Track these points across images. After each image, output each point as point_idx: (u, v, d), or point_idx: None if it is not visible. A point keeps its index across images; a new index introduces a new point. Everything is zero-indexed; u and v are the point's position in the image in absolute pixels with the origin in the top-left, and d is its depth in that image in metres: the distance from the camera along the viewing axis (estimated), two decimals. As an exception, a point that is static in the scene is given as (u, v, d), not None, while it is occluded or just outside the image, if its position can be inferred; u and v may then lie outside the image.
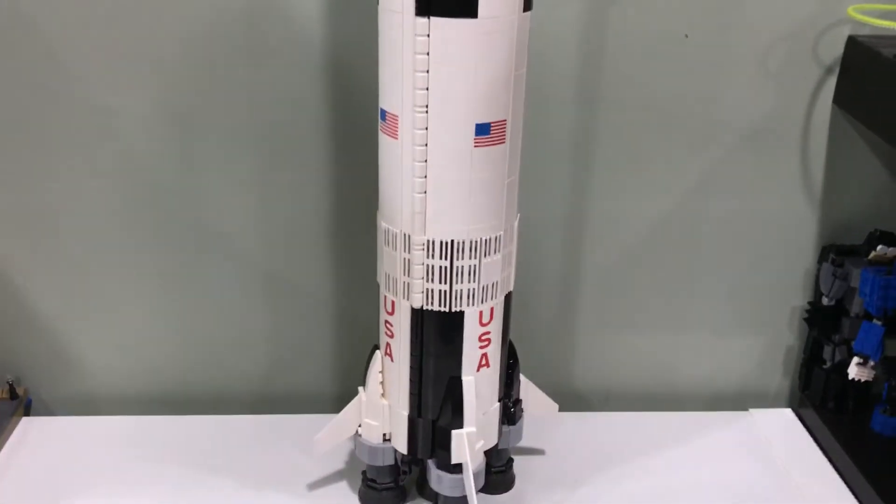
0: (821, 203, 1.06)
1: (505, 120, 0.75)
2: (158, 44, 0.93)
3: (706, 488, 0.98)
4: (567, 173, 1.04)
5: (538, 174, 1.00)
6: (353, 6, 0.92)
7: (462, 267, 0.79)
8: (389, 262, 0.80)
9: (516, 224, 0.82)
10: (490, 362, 0.87)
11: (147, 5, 0.91)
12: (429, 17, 0.70)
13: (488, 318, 0.85)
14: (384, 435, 0.88)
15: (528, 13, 0.73)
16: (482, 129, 0.74)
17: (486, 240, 0.79)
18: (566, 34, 0.96)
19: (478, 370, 0.84)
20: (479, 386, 0.84)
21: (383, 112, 0.76)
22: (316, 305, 1.08)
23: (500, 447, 0.91)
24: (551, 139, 1.00)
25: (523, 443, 0.95)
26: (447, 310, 0.80)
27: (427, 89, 0.72)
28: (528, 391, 0.94)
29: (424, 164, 0.75)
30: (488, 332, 0.85)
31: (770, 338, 1.13)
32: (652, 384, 1.15)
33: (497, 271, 0.83)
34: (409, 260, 0.78)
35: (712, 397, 1.15)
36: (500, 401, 0.88)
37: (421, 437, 0.86)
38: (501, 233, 0.80)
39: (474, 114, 0.73)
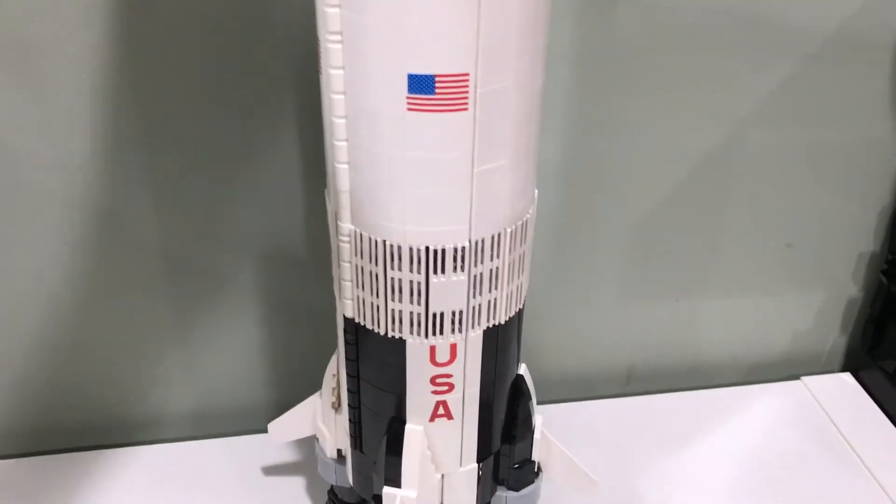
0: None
1: (467, 74, 0.46)
2: None
3: (758, 472, 0.83)
4: (577, 94, 0.77)
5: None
6: None
7: (399, 281, 0.54)
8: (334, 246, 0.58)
9: (511, 232, 0.54)
10: (453, 413, 0.60)
11: None
12: None
13: (446, 356, 0.57)
14: (339, 451, 0.69)
15: None
16: (420, 85, 0.46)
17: (435, 250, 0.52)
18: None
19: (431, 420, 0.60)
20: (434, 439, 0.61)
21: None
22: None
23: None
24: (556, 46, 0.72)
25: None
26: (380, 332, 0.56)
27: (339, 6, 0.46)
28: (553, 454, 0.69)
29: (343, 121, 0.50)
30: (447, 376, 0.58)
31: (827, 291, 0.94)
32: (681, 356, 0.95)
33: (460, 296, 0.55)
34: (339, 249, 0.56)
35: (754, 366, 0.98)
36: (478, 462, 0.64)
37: (362, 475, 0.66)
38: (466, 244, 0.52)
39: (404, 59, 0.45)
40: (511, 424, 0.65)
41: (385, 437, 0.61)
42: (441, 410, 0.59)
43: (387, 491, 0.61)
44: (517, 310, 0.59)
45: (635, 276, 0.88)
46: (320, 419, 0.70)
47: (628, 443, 0.85)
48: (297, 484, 0.80)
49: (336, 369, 0.66)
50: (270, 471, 0.81)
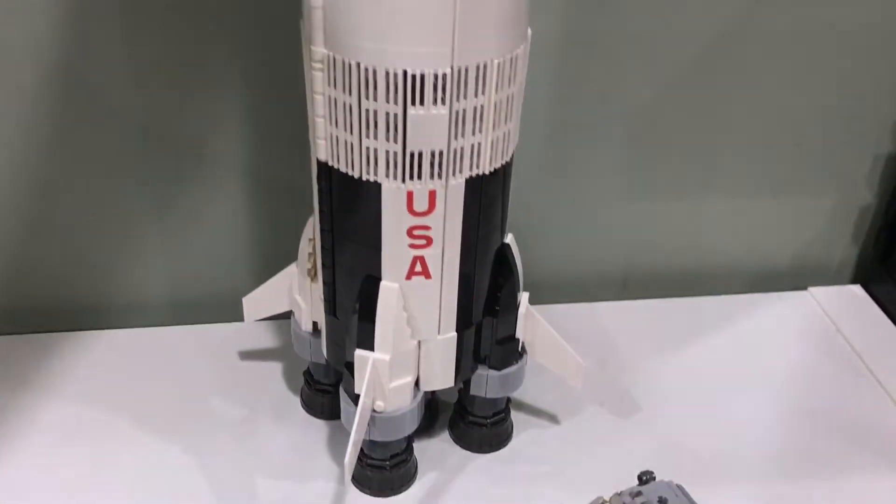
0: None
1: None
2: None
3: (760, 378, 0.78)
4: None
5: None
6: None
7: (374, 112, 0.50)
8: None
9: (498, 65, 0.50)
10: (431, 272, 0.56)
11: None
12: None
13: (425, 205, 0.53)
14: (315, 324, 0.66)
15: None
16: None
17: (413, 76, 0.48)
18: None
19: (408, 277, 0.56)
20: (410, 300, 0.58)
21: None
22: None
23: (474, 394, 0.66)
24: None
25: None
26: (354, 174, 0.53)
27: None
28: (538, 334, 0.66)
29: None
30: (425, 228, 0.54)
31: (838, 196, 0.89)
32: (680, 262, 0.90)
33: (440, 134, 0.51)
34: (311, 80, 0.52)
35: (757, 276, 0.92)
36: (457, 331, 0.60)
37: (336, 344, 0.63)
38: (447, 71, 0.48)
39: None
40: (494, 296, 0.61)
41: (358, 296, 0.57)
42: (418, 267, 0.56)
43: (358, 354, 0.58)
44: (503, 163, 0.55)
45: (633, 173, 0.83)
46: (296, 290, 0.67)
47: (622, 345, 0.81)
48: (273, 369, 0.77)
49: (313, 233, 0.62)
50: (246, 356, 0.78)
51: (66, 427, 0.70)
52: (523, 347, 0.66)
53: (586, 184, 0.84)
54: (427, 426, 0.70)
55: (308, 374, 0.72)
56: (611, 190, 0.85)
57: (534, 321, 0.65)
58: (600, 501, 0.61)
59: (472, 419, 0.68)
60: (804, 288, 0.89)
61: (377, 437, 0.61)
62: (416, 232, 0.54)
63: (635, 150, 0.82)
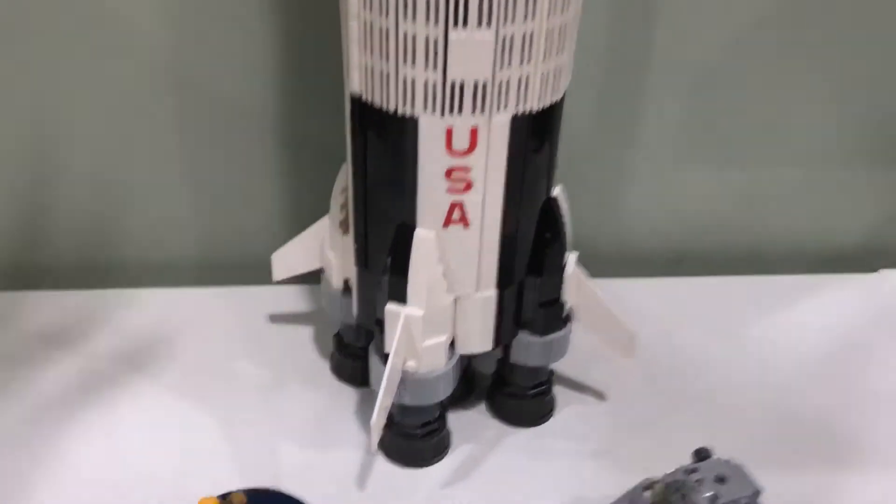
0: None
1: None
2: None
3: (826, 366, 0.72)
4: None
5: None
6: None
7: (413, 36, 0.45)
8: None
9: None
10: (470, 219, 0.51)
11: None
12: None
13: (466, 142, 0.49)
14: (346, 282, 0.62)
15: None
16: None
17: (456, -5, 0.44)
18: None
19: (445, 226, 0.52)
20: (447, 251, 0.53)
21: None
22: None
23: (514, 361, 0.61)
24: None
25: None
26: (390, 108, 0.48)
27: None
28: (587, 300, 0.61)
29: None
30: (466, 169, 0.50)
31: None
32: (740, 238, 0.85)
33: (484, 62, 0.46)
34: (346, 6, 0.47)
35: (823, 255, 0.87)
36: (498, 289, 0.56)
37: (367, 301, 0.58)
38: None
39: None
40: (539, 252, 0.56)
41: (391, 246, 0.53)
42: (456, 214, 0.52)
43: (389, 308, 0.53)
44: (553, 101, 0.50)
45: (692, 139, 0.79)
46: (328, 245, 0.63)
47: (676, 322, 0.76)
48: (302, 334, 0.73)
49: (345, 182, 0.58)
50: (275, 319, 0.74)
51: (92, 385, 0.67)
52: (569, 313, 0.61)
53: (639, 149, 0.79)
54: (462, 397, 0.65)
55: (338, 337, 0.68)
56: (665, 156, 0.80)
57: (582, 285, 0.60)
58: (648, 482, 0.56)
59: (512, 390, 0.63)
60: (875, 270, 0.83)
61: (408, 401, 0.57)
62: (454, 174, 0.50)
63: (695, 114, 0.77)
